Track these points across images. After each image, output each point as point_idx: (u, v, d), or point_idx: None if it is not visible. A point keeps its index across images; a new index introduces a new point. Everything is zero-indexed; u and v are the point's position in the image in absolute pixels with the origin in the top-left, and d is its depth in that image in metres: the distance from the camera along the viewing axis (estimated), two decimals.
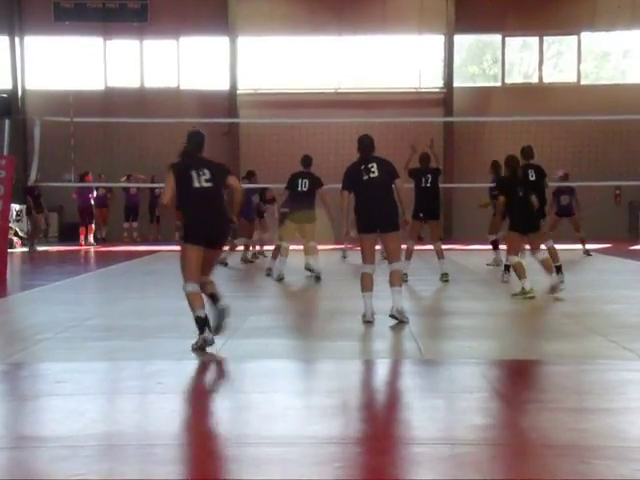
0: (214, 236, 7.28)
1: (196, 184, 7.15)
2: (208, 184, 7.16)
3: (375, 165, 8.44)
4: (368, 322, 8.31)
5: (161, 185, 16.29)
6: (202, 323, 7.00)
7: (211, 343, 6.96)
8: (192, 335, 7.84)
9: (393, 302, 8.34)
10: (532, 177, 11.84)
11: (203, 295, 7.24)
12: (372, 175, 8.39)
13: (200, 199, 7.16)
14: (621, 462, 4.19)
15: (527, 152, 12.09)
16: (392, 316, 8.27)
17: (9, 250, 15.18)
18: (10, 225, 17.42)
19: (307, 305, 10.33)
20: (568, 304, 9.87)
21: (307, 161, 13.01)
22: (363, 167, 8.45)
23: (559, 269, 11.14)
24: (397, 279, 8.41)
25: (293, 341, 7.74)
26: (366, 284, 8.42)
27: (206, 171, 7.20)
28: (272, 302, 10.50)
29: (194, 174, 7.16)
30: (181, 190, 7.17)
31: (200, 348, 6.98)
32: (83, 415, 5.10)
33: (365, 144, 8.63)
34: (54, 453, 4.38)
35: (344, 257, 16.60)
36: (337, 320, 8.75)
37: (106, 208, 23.90)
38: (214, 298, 7.35)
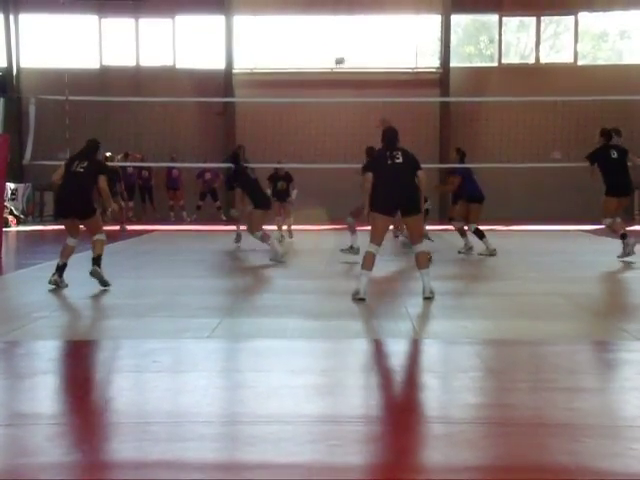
0: (71, 210, 9.49)
1: (72, 168, 9.52)
2: (80, 170, 9.45)
3: (400, 154, 8.73)
4: (361, 299, 8.38)
5: (154, 165, 16.21)
6: (57, 268, 9.48)
7: (51, 282, 9.35)
8: (187, 314, 7.86)
9: (424, 285, 8.53)
10: (614, 155, 12.20)
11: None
12: (397, 161, 8.65)
13: (69, 179, 9.48)
14: (614, 441, 4.21)
15: (614, 133, 12.40)
16: (427, 298, 8.47)
17: (4, 229, 15.15)
18: (5, 204, 17.37)
19: (303, 284, 10.33)
20: (564, 284, 9.89)
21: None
22: (388, 154, 8.71)
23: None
24: (424, 261, 8.62)
25: (288, 320, 7.75)
26: (368, 263, 8.53)
27: (85, 163, 9.50)
28: (268, 281, 10.50)
29: (75, 163, 9.56)
30: (64, 171, 9.60)
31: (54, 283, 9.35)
32: (78, 393, 5.11)
33: (390, 137, 8.90)
34: (49, 430, 4.39)
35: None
36: (333, 299, 8.76)
37: None
38: (93, 259, 9.41)
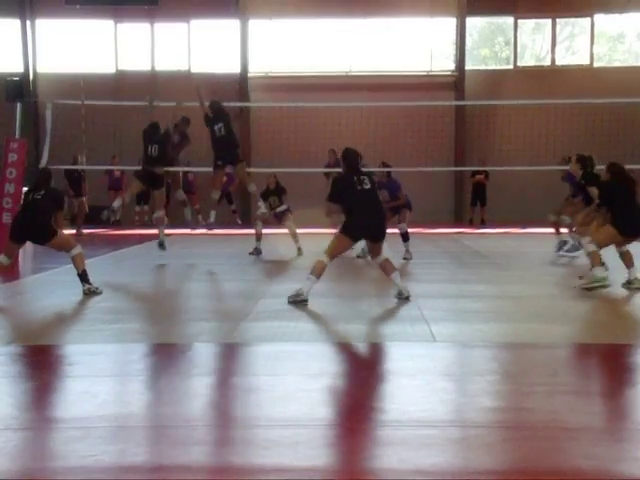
0: (28, 236, 9.58)
1: (29, 197, 9.75)
2: (37, 197, 9.54)
3: (366, 179, 8.67)
4: (304, 301, 8.44)
5: (171, 169, 16.26)
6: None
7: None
8: (202, 318, 7.87)
9: (399, 287, 8.71)
10: None
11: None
12: (365, 187, 8.60)
13: (24, 205, 9.90)
14: (633, 444, 4.18)
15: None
16: (407, 298, 8.64)
17: None
18: None
19: (317, 288, 10.31)
20: (580, 288, 9.83)
21: None
22: (356, 179, 8.62)
23: None
24: (390, 268, 8.78)
25: (304, 324, 7.75)
26: (320, 271, 8.58)
27: (42, 192, 9.54)
28: (283, 285, 10.49)
29: (32, 194, 9.70)
30: (23, 200, 10.25)
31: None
32: (95, 397, 5.12)
33: (353, 160, 8.81)
34: (67, 434, 4.41)
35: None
36: (348, 303, 8.75)
37: (121, 190, 23.97)
38: (80, 276, 9.40)
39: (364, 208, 8.53)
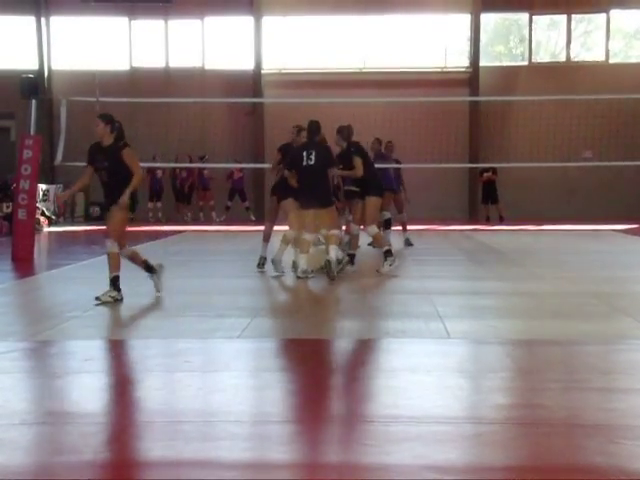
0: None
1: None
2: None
3: (314, 153, 9.82)
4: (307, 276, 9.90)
5: (188, 165, 16.31)
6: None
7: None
8: (217, 314, 7.88)
9: (330, 253, 9.74)
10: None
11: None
12: (310, 162, 9.79)
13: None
14: None
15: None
16: (328, 263, 9.64)
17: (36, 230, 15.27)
18: (37, 205, 17.52)
19: (331, 284, 10.33)
20: (596, 284, 9.80)
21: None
22: (305, 153, 9.85)
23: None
24: (335, 239, 9.96)
25: (318, 320, 7.75)
26: (305, 247, 10.00)
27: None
28: (298, 281, 10.49)
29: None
30: None
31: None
32: (110, 392, 5.14)
33: (313, 130, 10.02)
34: (82, 429, 4.42)
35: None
36: (361, 299, 8.75)
37: None
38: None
39: (305, 181, 9.83)
